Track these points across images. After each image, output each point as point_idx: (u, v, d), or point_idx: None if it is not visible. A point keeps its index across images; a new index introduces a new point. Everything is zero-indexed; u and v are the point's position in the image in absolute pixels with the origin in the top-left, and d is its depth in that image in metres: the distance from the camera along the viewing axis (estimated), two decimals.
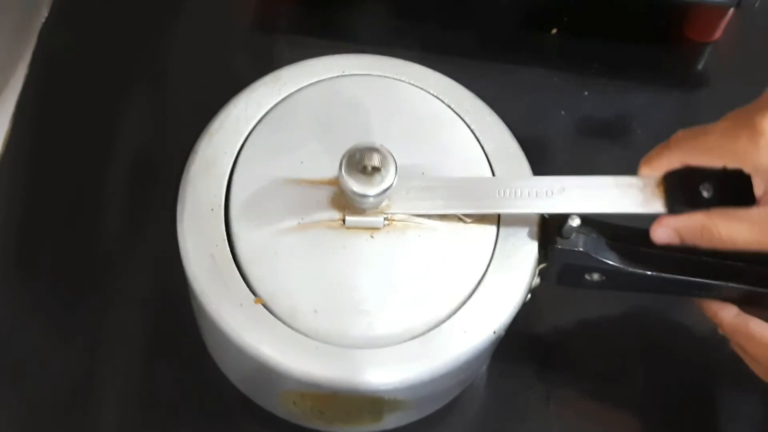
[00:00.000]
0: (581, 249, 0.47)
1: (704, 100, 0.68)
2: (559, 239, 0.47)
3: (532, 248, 0.48)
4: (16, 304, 0.58)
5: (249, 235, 0.48)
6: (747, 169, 0.44)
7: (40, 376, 0.55)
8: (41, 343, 0.56)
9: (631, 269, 0.48)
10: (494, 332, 0.47)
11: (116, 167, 0.62)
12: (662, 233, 0.46)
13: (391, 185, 0.45)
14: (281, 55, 0.54)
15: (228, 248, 0.47)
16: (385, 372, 0.45)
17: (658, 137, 0.64)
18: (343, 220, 0.48)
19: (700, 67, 0.69)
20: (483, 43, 0.69)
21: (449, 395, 0.54)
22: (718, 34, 0.69)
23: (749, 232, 0.44)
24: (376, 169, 0.45)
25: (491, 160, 0.51)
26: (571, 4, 0.70)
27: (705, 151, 0.45)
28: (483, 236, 0.50)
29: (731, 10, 0.66)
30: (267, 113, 0.52)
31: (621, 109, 0.67)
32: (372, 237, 0.48)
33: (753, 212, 0.44)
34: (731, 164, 0.44)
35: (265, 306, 0.47)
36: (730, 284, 0.48)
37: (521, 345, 0.56)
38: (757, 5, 0.63)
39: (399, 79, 0.53)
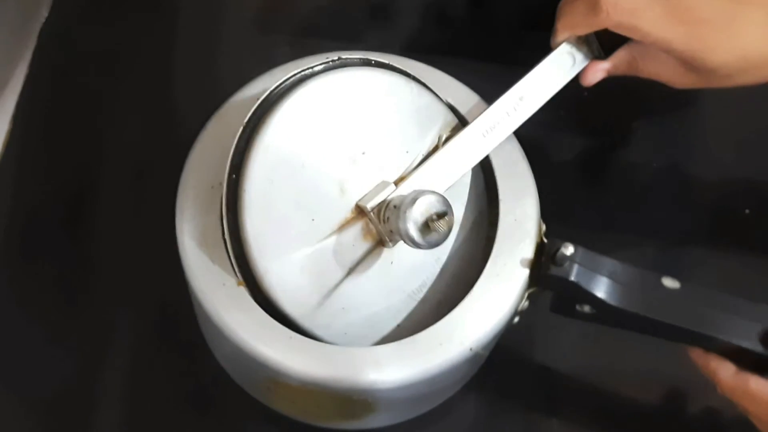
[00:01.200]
0: (572, 279, 0.47)
1: (702, 100, 0.68)
2: (552, 266, 0.47)
3: (522, 271, 0.48)
4: (16, 304, 0.58)
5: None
6: None
7: (43, 376, 0.56)
8: (41, 342, 0.57)
9: (621, 306, 0.47)
10: (471, 349, 0.47)
11: (116, 167, 0.63)
12: (593, 76, 0.53)
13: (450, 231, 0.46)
14: (282, 56, 0.54)
15: (221, 227, 0.47)
16: (353, 371, 0.46)
17: (657, 137, 0.65)
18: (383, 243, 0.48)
19: None
20: (482, 44, 0.69)
21: (425, 405, 0.54)
22: None
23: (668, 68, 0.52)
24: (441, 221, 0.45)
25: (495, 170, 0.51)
26: None
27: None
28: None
29: None
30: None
31: (620, 109, 0.67)
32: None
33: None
34: None
35: (251, 289, 0.47)
36: (720, 337, 0.47)
37: (521, 347, 0.56)
38: None
39: (419, 83, 0.53)
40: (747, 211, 0.63)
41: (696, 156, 0.66)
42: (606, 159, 0.65)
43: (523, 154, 0.52)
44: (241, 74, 0.53)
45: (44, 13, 0.68)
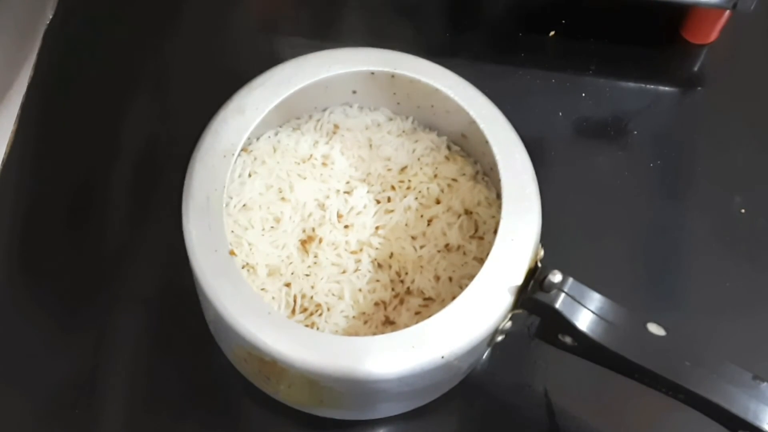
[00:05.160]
0: (556, 306, 0.47)
1: (700, 102, 0.68)
2: (538, 291, 0.47)
3: (510, 290, 0.48)
4: (22, 303, 0.59)
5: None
6: None
7: (46, 374, 0.56)
8: (47, 340, 0.57)
9: (600, 342, 0.47)
10: (442, 357, 0.47)
11: (120, 166, 0.63)
12: None
13: None
14: (283, 56, 0.55)
15: (224, 194, 0.49)
16: (319, 356, 0.46)
17: (655, 138, 0.66)
18: None
19: (696, 69, 0.69)
20: (481, 46, 0.69)
21: (395, 407, 0.54)
22: (714, 36, 0.69)
23: None
24: None
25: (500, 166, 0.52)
26: (569, 7, 0.71)
27: None
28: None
29: (727, 13, 0.67)
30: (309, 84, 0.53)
31: (618, 111, 0.67)
32: None
33: None
34: None
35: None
36: (699, 393, 0.46)
37: (520, 342, 0.56)
38: (752, 8, 0.63)
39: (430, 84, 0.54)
40: (743, 210, 0.63)
41: (692, 156, 0.66)
42: (603, 159, 0.65)
43: (534, 175, 0.52)
44: (242, 74, 0.54)
45: (49, 14, 0.69)
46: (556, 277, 0.47)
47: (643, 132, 0.66)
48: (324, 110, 0.57)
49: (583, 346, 0.48)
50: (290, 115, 0.57)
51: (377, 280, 0.52)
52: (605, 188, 0.64)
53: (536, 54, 0.69)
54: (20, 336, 0.57)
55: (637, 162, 0.65)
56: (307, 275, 0.52)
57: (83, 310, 0.58)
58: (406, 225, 0.54)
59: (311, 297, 0.51)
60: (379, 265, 0.53)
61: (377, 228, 0.54)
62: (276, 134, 0.56)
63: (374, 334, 0.50)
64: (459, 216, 0.54)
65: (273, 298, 0.51)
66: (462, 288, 0.49)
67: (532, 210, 0.51)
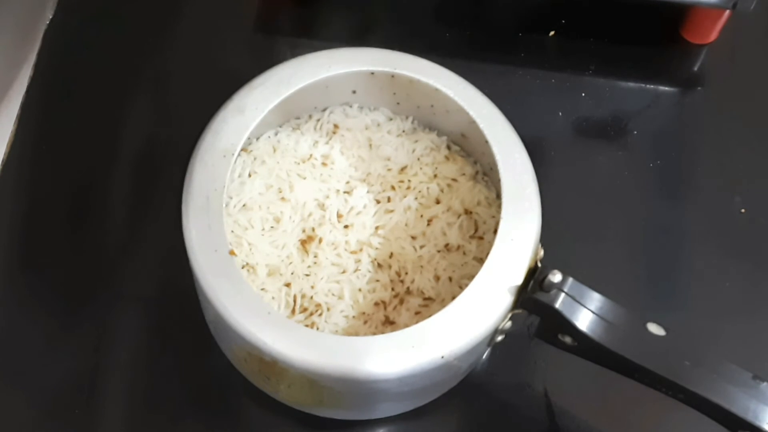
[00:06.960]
0: (556, 306, 0.46)
1: (700, 102, 0.68)
2: (539, 291, 0.47)
3: (510, 290, 0.48)
4: (22, 302, 0.59)
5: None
6: None
7: (46, 374, 0.56)
8: (47, 340, 0.57)
9: (600, 342, 0.47)
10: (442, 357, 0.47)
11: (120, 166, 0.63)
12: None
13: None
14: (283, 56, 0.55)
15: (223, 194, 0.49)
16: (318, 356, 0.46)
17: (655, 138, 0.66)
18: None
19: (696, 68, 0.69)
20: (481, 45, 0.69)
21: (395, 407, 0.54)
22: (714, 36, 0.69)
23: None
24: None
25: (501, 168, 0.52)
26: (569, 7, 0.71)
27: None
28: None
29: (727, 13, 0.67)
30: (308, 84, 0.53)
31: (618, 111, 0.67)
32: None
33: None
34: None
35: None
36: (699, 393, 0.46)
37: (520, 342, 0.56)
38: (752, 8, 0.63)
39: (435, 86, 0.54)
40: (743, 210, 0.63)
41: (692, 156, 0.66)
42: (603, 159, 0.65)
43: (534, 175, 0.52)
44: (242, 74, 0.54)
45: (49, 14, 0.69)
46: (556, 277, 0.47)
47: (643, 132, 0.66)
48: (324, 110, 0.57)
49: (583, 346, 0.48)
50: (290, 115, 0.57)
51: (377, 280, 0.52)
52: (605, 188, 0.64)
53: (536, 54, 0.69)
54: (20, 336, 0.57)
55: (637, 162, 0.65)
56: (307, 275, 0.52)
57: (83, 310, 0.58)
58: (406, 225, 0.54)
59: (311, 297, 0.51)
60: (379, 265, 0.53)
61: (377, 228, 0.54)
62: (276, 134, 0.56)
63: (374, 334, 0.50)
64: (459, 216, 0.54)
65: (273, 298, 0.51)
66: (462, 288, 0.49)
67: (532, 210, 0.50)
